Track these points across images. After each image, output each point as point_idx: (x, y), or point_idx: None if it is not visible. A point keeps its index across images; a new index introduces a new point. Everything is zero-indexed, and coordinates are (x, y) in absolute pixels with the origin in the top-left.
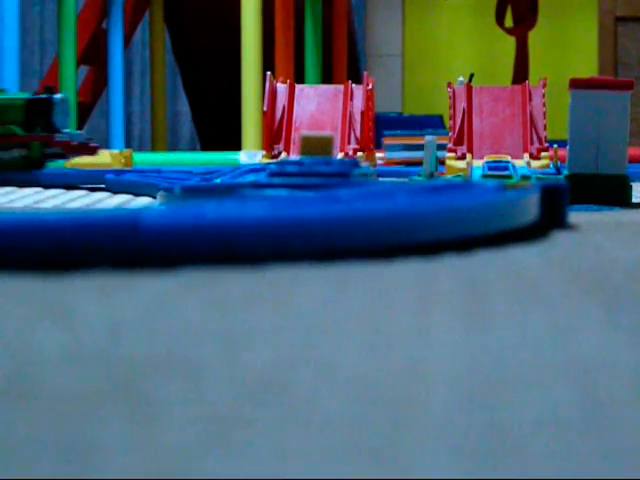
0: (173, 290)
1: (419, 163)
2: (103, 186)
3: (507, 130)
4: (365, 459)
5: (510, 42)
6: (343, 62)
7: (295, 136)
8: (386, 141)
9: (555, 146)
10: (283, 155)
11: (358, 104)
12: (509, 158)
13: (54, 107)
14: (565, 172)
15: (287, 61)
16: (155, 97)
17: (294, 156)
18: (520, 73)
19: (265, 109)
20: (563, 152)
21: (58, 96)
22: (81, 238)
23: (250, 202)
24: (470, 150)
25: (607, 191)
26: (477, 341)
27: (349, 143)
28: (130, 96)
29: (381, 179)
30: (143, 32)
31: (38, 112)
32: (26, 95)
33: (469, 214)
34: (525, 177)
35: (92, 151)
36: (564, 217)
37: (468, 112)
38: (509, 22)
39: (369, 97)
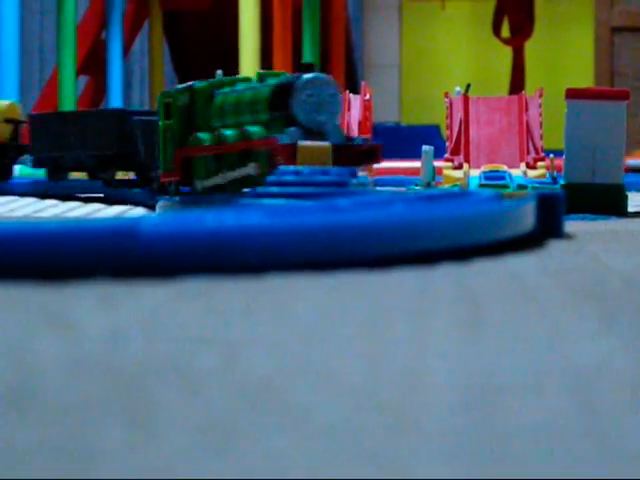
0: (172, 298)
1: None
2: (102, 196)
3: (504, 140)
4: (362, 465)
5: (507, 52)
6: (341, 72)
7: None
8: None
9: (551, 156)
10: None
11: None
12: (506, 168)
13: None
14: (561, 181)
15: (285, 70)
16: (154, 106)
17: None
18: (517, 83)
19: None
20: (559, 162)
21: (320, 76)
22: (81, 247)
23: (248, 211)
24: (467, 160)
25: (603, 200)
26: (474, 348)
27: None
28: (129, 105)
29: (379, 188)
30: (142, 42)
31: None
32: (273, 81)
33: (466, 223)
34: (521, 186)
35: (376, 157)
36: (560, 226)
37: (465, 122)
38: (506, 32)
39: (367, 107)
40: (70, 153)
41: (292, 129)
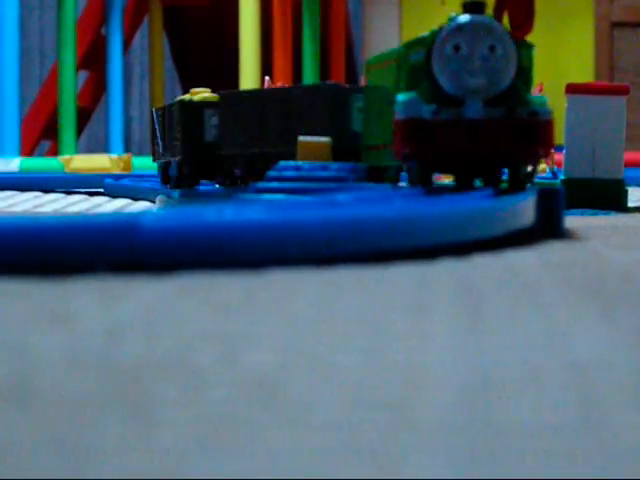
0: (172, 293)
1: None
2: (102, 190)
3: None
4: (362, 460)
5: None
6: (341, 67)
7: None
8: None
9: (552, 151)
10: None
11: None
12: None
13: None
14: (561, 177)
15: (285, 66)
16: (154, 102)
17: None
18: None
19: None
20: (560, 157)
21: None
22: (81, 242)
23: (248, 206)
24: None
25: (603, 195)
26: (474, 344)
27: None
28: (129, 101)
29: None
30: (142, 38)
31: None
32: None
33: (465, 218)
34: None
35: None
36: (560, 221)
37: None
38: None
39: None
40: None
41: (405, 97)
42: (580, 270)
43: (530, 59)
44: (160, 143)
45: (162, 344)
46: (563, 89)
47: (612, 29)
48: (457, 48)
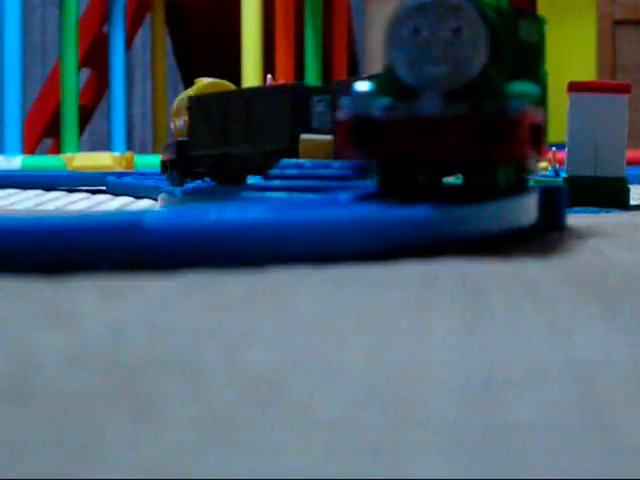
0: (175, 292)
1: None
2: (104, 188)
3: None
4: (363, 460)
5: None
6: (343, 64)
7: None
8: None
9: (554, 149)
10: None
11: None
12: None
13: None
14: (564, 175)
15: (287, 64)
16: (156, 100)
17: None
18: None
19: None
20: (562, 155)
21: None
22: (84, 241)
23: (251, 205)
24: None
25: (605, 193)
26: (475, 342)
27: None
28: (131, 99)
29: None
30: (144, 35)
31: None
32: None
33: (468, 216)
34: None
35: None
36: (563, 219)
37: None
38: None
39: None
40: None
41: (358, 88)
42: (582, 268)
43: (541, 35)
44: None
45: (165, 342)
46: (565, 87)
47: (614, 27)
48: (417, 31)
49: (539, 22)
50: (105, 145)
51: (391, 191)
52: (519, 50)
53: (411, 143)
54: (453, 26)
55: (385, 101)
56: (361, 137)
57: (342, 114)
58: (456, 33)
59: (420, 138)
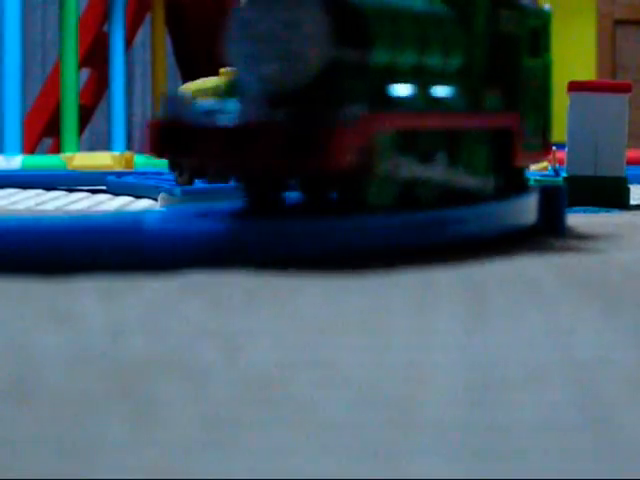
0: (175, 292)
1: None
2: (104, 188)
3: None
4: (364, 459)
5: None
6: None
7: None
8: None
9: (554, 148)
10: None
11: None
12: None
13: None
14: (564, 174)
15: None
16: (156, 100)
17: None
18: None
19: None
20: (562, 154)
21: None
22: (83, 241)
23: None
24: None
25: (605, 193)
26: (476, 342)
27: None
28: (131, 98)
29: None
30: (144, 35)
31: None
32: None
33: (466, 217)
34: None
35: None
36: (563, 219)
37: None
38: None
39: None
40: None
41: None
42: (582, 268)
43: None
44: None
45: (165, 343)
46: (565, 86)
47: (615, 27)
48: (251, 25)
49: (523, 12)
50: (105, 145)
51: (252, 205)
52: (498, 41)
53: (216, 154)
54: (288, 20)
55: (210, 104)
56: (169, 142)
57: (157, 116)
58: (292, 28)
59: (226, 149)
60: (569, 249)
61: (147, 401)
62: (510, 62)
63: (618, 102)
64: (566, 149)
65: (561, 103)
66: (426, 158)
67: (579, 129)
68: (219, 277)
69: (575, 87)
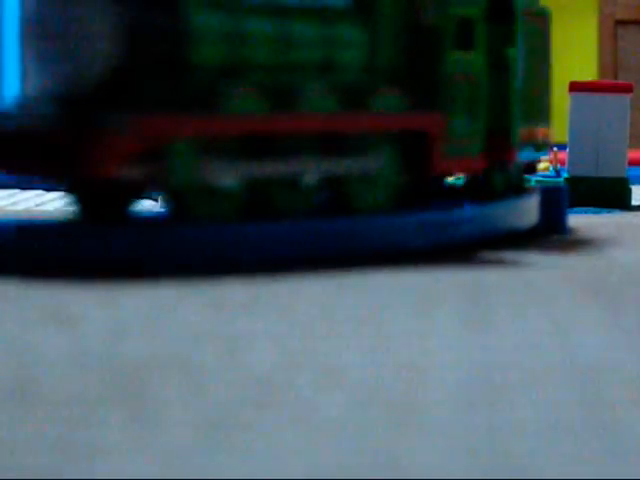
0: (175, 294)
1: None
2: None
3: None
4: (364, 459)
5: None
6: None
7: None
8: None
9: (555, 149)
10: None
11: None
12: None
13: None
14: (565, 175)
15: None
16: None
17: None
18: None
19: None
20: (563, 155)
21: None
22: (82, 243)
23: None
24: None
25: (606, 194)
26: (477, 342)
27: None
28: None
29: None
30: None
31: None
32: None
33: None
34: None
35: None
36: (564, 219)
37: None
38: None
39: None
40: None
41: None
42: (584, 269)
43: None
44: None
45: (164, 344)
46: (567, 87)
47: (616, 27)
48: (44, 24)
49: (446, 1)
50: None
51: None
52: (414, 34)
53: (5, 159)
54: (77, 16)
55: (12, 110)
56: None
57: None
58: (78, 25)
59: (13, 154)
60: (570, 250)
61: (147, 402)
62: (430, 57)
63: (619, 102)
64: (567, 150)
65: (562, 103)
66: (276, 163)
67: (580, 130)
68: (219, 279)
69: (576, 87)
